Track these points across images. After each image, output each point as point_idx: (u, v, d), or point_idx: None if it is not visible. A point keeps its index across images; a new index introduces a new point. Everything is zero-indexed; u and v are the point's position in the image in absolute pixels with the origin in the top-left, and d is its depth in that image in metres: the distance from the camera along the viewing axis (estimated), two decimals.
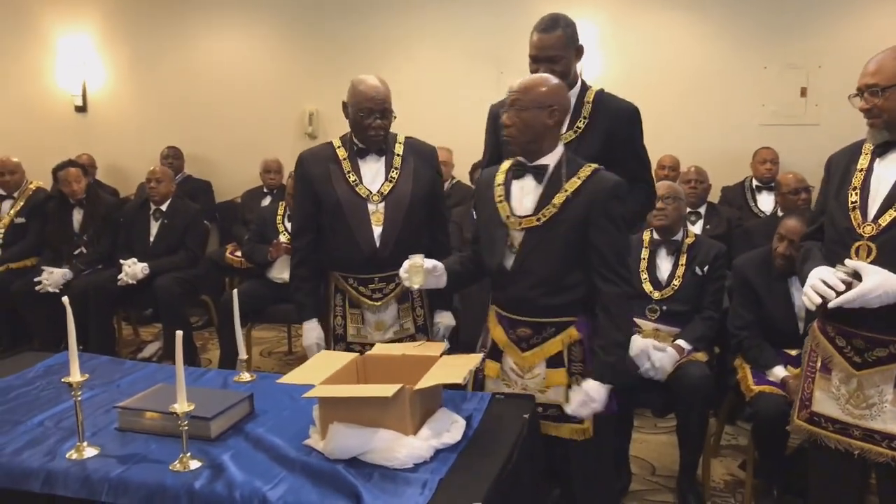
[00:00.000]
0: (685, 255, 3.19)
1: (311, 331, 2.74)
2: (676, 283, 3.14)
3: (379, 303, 2.66)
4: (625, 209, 2.57)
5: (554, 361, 2.19)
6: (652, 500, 3.06)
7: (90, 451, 1.79)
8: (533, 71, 2.55)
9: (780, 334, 2.99)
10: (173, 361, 4.60)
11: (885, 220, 2.04)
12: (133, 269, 4.41)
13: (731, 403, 3.31)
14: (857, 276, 1.98)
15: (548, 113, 2.14)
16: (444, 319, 2.81)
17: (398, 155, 2.69)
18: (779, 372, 2.89)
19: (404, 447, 1.72)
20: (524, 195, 2.20)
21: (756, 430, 2.87)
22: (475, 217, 2.43)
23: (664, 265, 3.21)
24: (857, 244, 2.06)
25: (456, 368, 1.91)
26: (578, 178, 2.16)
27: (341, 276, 2.71)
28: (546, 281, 2.14)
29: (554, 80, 2.21)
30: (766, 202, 4.84)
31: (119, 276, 4.40)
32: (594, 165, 2.20)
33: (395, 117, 2.64)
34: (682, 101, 5.29)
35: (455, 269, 2.34)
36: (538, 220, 2.15)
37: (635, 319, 3.16)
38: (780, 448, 2.87)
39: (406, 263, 2.22)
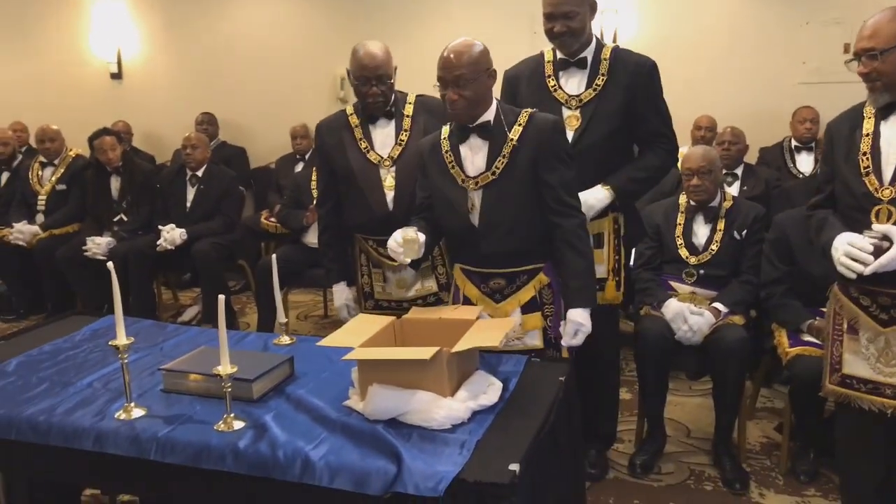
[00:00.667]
0: (723, 221, 3.13)
1: (340, 293, 2.84)
2: (714, 247, 3.10)
3: (396, 263, 2.67)
4: (645, 163, 2.62)
5: (529, 307, 2.31)
6: (687, 461, 3.07)
7: (138, 412, 1.84)
8: (549, 29, 2.53)
9: (817, 292, 2.93)
10: (213, 324, 4.70)
11: None
12: (172, 234, 4.49)
13: (767, 366, 3.29)
14: (886, 238, 1.98)
15: (488, 74, 2.21)
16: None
17: (408, 116, 2.70)
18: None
19: (442, 409, 1.74)
20: (474, 155, 2.27)
21: (794, 394, 2.85)
22: (422, 187, 2.42)
23: (701, 231, 3.16)
24: (876, 208, 2.06)
25: (492, 332, 1.93)
26: (519, 124, 2.24)
27: (362, 237, 2.80)
28: (513, 230, 2.24)
29: (474, 41, 2.22)
30: (805, 163, 4.74)
31: (158, 242, 4.49)
32: (530, 110, 2.28)
33: (392, 82, 2.63)
34: (719, 61, 5.17)
35: (428, 241, 2.32)
36: (493, 173, 2.24)
37: (671, 282, 3.15)
38: (818, 411, 2.86)
39: (399, 236, 2.20)
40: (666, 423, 3.17)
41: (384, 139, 2.70)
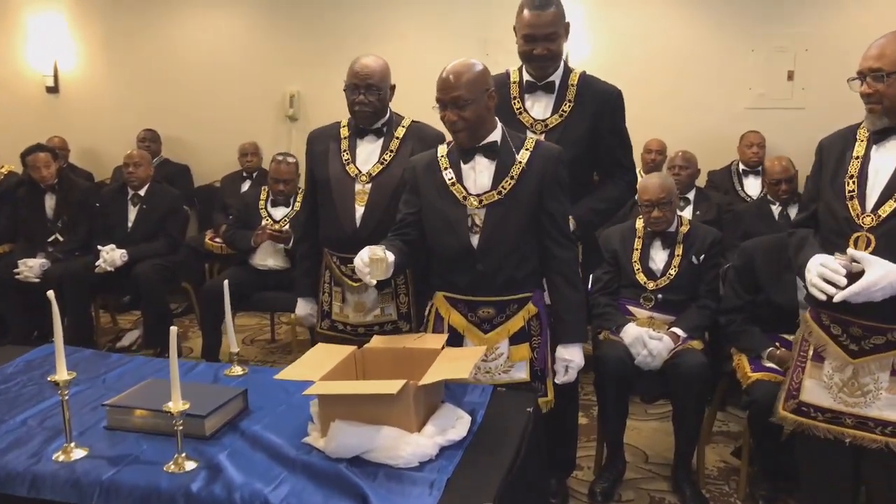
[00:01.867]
0: (681, 246, 3.14)
1: (303, 307, 2.85)
2: (672, 272, 3.09)
3: (357, 283, 2.60)
4: (605, 194, 2.61)
5: (517, 338, 2.26)
6: (646, 488, 3.04)
7: (78, 453, 1.71)
8: (528, 51, 2.50)
9: (778, 319, 2.95)
10: (155, 350, 4.49)
11: (884, 210, 1.99)
12: (111, 255, 4.30)
13: (723, 390, 3.30)
14: (856, 263, 1.95)
15: (488, 95, 2.17)
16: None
17: (397, 138, 2.64)
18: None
19: (409, 445, 1.66)
20: (477, 174, 2.23)
21: (752, 418, 2.85)
22: (408, 203, 2.33)
23: (659, 256, 3.15)
24: (855, 235, 2.02)
25: (460, 362, 1.86)
26: (526, 148, 2.22)
27: (329, 252, 2.72)
28: (511, 253, 2.21)
29: (475, 62, 2.19)
30: (752, 186, 4.82)
31: (97, 263, 4.29)
32: (535, 137, 2.29)
33: (383, 94, 2.58)
34: (669, 85, 5.26)
35: (398, 261, 2.20)
36: (499, 193, 2.19)
37: (629, 307, 3.14)
38: (776, 435, 2.86)
39: (366, 254, 2.09)
40: (624, 448, 3.14)
41: (367, 155, 2.64)
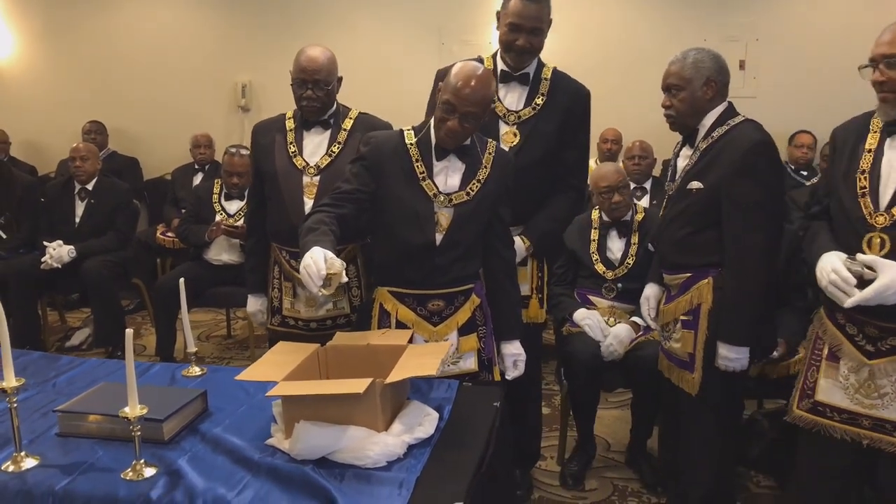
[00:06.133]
0: (636, 234, 3.16)
1: (253, 303, 2.81)
2: (630, 261, 3.12)
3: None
4: (556, 213, 2.64)
5: (465, 328, 2.27)
6: (610, 476, 3.07)
7: (29, 462, 1.62)
8: (510, 41, 2.45)
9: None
10: (106, 349, 4.35)
11: None
12: (58, 251, 4.16)
13: None
14: (870, 269, 1.85)
15: (489, 111, 2.20)
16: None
17: (345, 130, 2.59)
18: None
19: (376, 445, 1.62)
20: (449, 174, 2.20)
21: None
22: (360, 179, 2.18)
23: (615, 245, 3.17)
24: (869, 235, 1.91)
25: (426, 358, 1.82)
26: (489, 153, 2.25)
27: (277, 247, 2.67)
28: (467, 252, 2.24)
29: (491, 76, 2.16)
30: None
31: (43, 260, 4.14)
32: (493, 141, 2.30)
33: (331, 88, 2.52)
34: (624, 76, 5.29)
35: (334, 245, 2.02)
36: (467, 194, 2.19)
37: (590, 297, 3.15)
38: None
39: (323, 266, 1.82)
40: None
41: (315, 147, 2.58)
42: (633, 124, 4.99)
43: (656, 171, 4.77)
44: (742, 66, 5.19)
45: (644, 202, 4.36)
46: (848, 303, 1.87)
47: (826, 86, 4.99)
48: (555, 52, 5.03)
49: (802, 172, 4.99)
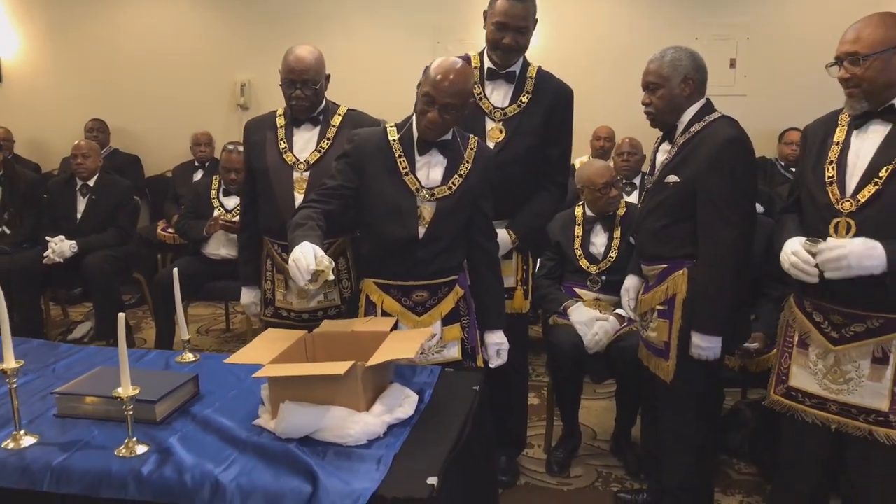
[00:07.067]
0: (619, 228, 3.25)
1: (246, 295, 2.91)
2: (613, 255, 3.20)
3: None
4: (541, 208, 2.71)
5: (448, 318, 2.34)
6: (594, 464, 3.15)
7: (28, 440, 1.71)
8: (497, 39, 2.53)
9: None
10: (107, 342, 4.44)
11: (863, 195, 1.97)
12: (60, 246, 4.25)
13: None
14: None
15: (469, 104, 2.26)
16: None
17: (334, 126, 2.67)
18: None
19: (357, 424, 1.71)
20: (431, 168, 2.27)
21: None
22: (344, 175, 2.24)
23: (599, 240, 3.26)
24: (835, 220, 2.01)
25: (407, 343, 1.91)
26: (471, 148, 2.32)
27: (269, 241, 2.75)
28: (450, 245, 2.31)
29: (469, 68, 2.22)
30: None
31: (45, 254, 4.23)
32: (475, 137, 2.36)
33: (319, 87, 2.59)
34: (615, 74, 5.36)
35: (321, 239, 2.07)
36: (449, 188, 2.26)
37: (575, 290, 3.23)
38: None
39: (312, 262, 1.89)
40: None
41: (304, 144, 2.66)
42: (624, 122, 5.06)
43: (646, 167, 4.83)
44: (733, 64, 5.27)
45: (633, 198, 4.43)
46: (813, 279, 1.94)
47: (816, 84, 4.98)
48: (547, 50, 5.18)
49: (792, 169, 5.06)
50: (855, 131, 2.05)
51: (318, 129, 2.67)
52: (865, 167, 1.99)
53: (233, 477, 1.57)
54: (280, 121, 2.70)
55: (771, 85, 5.30)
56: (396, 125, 2.31)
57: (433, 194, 2.25)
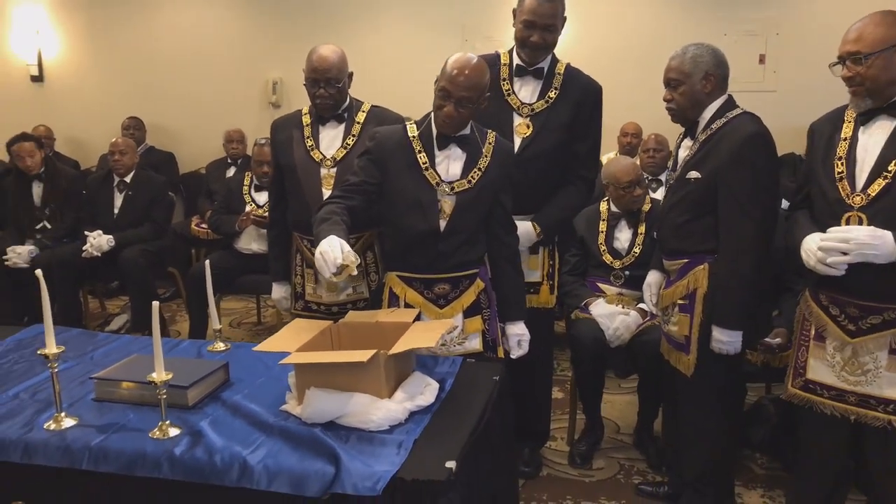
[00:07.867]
0: (643, 224, 3.27)
1: (277, 290, 2.99)
2: (637, 250, 3.23)
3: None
4: (568, 202, 2.73)
5: (470, 311, 2.39)
6: (616, 456, 3.18)
7: (68, 422, 1.81)
8: (525, 37, 2.58)
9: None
10: (143, 333, 4.57)
11: (873, 189, 2.01)
12: (98, 240, 4.38)
13: None
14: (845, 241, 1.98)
15: (485, 99, 2.29)
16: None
17: (358, 123, 2.73)
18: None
19: (380, 410, 1.77)
20: (451, 162, 2.32)
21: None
22: (367, 171, 2.31)
23: (623, 235, 3.29)
24: (847, 215, 2.05)
25: (428, 333, 1.97)
26: (490, 143, 2.36)
27: (299, 236, 2.81)
28: (470, 238, 2.36)
29: (484, 63, 2.26)
30: None
31: (84, 248, 4.37)
32: (492, 132, 2.39)
33: (342, 85, 2.64)
34: (643, 70, 5.30)
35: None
36: (469, 182, 2.31)
37: (599, 284, 3.26)
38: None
39: (339, 256, 1.96)
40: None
41: (331, 140, 2.72)
42: (650, 118, 5.05)
43: (671, 164, 4.83)
44: (762, 60, 5.23)
45: (659, 194, 4.43)
46: (832, 260, 1.99)
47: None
48: (575, 46, 5.19)
49: None
50: (861, 127, 2.09)
51: (343, 126, 2.73)
52: (874, 162, 2.03)
53: (260, 458, 1.64)
54: (306, 119, 2.77)
55: (801, 80, 5.25)
56: (416, 122, 2.37)
57: (453, 188, 2.31)
